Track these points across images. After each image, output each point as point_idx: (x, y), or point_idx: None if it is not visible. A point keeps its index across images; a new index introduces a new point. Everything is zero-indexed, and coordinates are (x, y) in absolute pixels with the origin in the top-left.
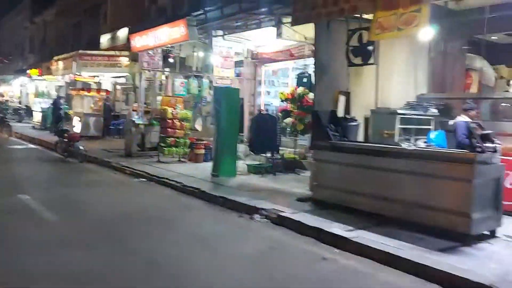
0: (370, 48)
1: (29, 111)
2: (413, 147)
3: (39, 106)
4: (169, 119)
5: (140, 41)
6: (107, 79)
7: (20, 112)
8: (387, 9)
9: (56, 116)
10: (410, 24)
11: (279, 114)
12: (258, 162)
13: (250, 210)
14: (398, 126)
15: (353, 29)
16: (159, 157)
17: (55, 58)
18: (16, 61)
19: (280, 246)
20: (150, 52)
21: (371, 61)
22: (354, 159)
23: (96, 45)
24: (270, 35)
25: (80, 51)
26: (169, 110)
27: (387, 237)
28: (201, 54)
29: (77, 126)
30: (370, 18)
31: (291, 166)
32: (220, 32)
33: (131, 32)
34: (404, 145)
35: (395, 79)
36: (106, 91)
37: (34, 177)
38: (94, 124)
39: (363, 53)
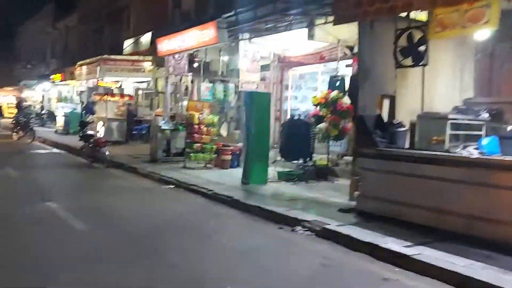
0: (422, 48)
1: (51, 116)
2: (475, 155)
3: (62, 111)
4: (196, 124)
5: (167, 45)
6: (129, 84)
7: (42, 116)
8: (449, 5)
9: (82, 121)
10: (478, 21)
11: (311, 119)
12: (288, 169)
13: (291, 222)
14: (448, 132)
15: (402, 28)
16: (185, 163)
17: (79, 63)
18: (38, 67)
19: (333, 263)
20: (176, 56)
21: (424, 62)
22: (405, 167)
23: (118, 51)
24: (301, 38)
25: (104, 56)
26: (196, 115)
27: (452, 255)
28: (225, 58)
29: (100, 131)
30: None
31: (323, 174)
32: (247, 35)
33: (157, 36)
34: (465, 153)
35: (440, 82)
36: (129, 96)
37: (61, 183)
38: (117, 129)
39: (414, 54)
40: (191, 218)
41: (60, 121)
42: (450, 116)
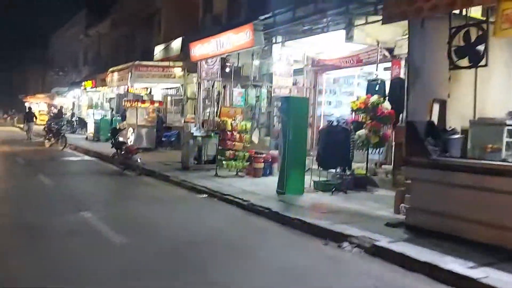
0: (481, 47)
1: (82, 123)
2: None
3: (92, 118)
4: (229, 131)
5: (201, 49)
6: (158, 91)
7: (73, 123)
8: None
9: (114, 128)
10: None
11: (350, 125)
12: (324, 178)
13: (337, 237)
14: (505, 139)
15: (458, 26)
16: (216, 170)
17: (110, 69)
18: (70, 74)
19: (388, 286)
20: (209, 61)
21: (483, 62)
22: (462, 178)
23: (149, 56)
24: (337, 40)
25: (136, 62)
26: (229, 121)
27: None
28: (257, 62)
29: (130, 138)
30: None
31: (361, 183)
32: (280, 39)
33: (188, 41)
34: None
35: (494, 85)
36: (159, 102)
37: (94, 191)
38: (147, 135)
39: (471, 54)
40: (229, 231)
41: (90, 128)
42: (508, 122)
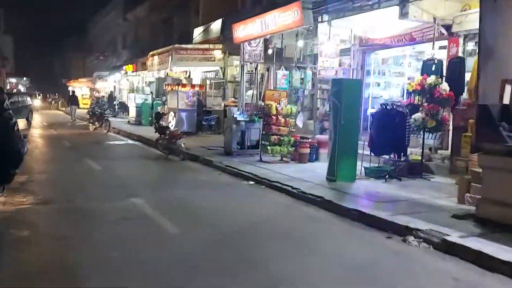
0: None
1: (123, 106)
2: None
3: (133, 102)
4: (273, 115)
5: (245, 30)
6: (197, 74)
7: (115, 107)
8: None
9: (157, 113)
10: None
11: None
12: (375, 164)
13: (400, 230)
14: None
15: None
16: (260, 156)
17: (151, 53)
18: (110, 58)
19: (469, 287)
20: (252, 42)
21: None
22: None
23: (187, 40)
24: (389, 16)
25: (176, 46)
26: (274, 105)
27: None
28: (300, 43)
29: (172, 122)
30: None
31: (416, 170)
32: (328, 17)
33: (229, 22)
34: None
35: None
36: (200, 85)
37: (141, 176)
38: (187, 119)
39: None
40: (281, 220)
41: (132, 112)
42: None
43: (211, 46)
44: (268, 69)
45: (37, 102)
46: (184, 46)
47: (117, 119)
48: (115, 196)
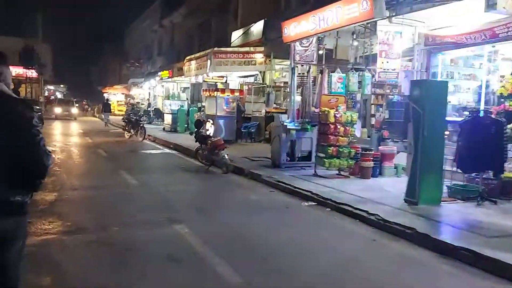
0: None
1: (158, 113)
2: None
3: (169, 108)
4: (331, 123)
5: (297, 28)
6: (234, 79)
7: (150, 114)
8: None
9: (198, 120)
10: None
11: (500, 117)
12: (460, 183)
13: None
14: None
15: None
16: (315, 169)
17: (188, 58)
18: (145, 65)
19: None
20: (304, 42)
21: None
22: None
23: (224, 44)
24: (469, 9)
25: (215, 49)
26: (332, 112)
27: None
28: (356, 42)
29: (210, 129)
30: None
31: (510, 190)
32: (392, 12)
33: (277, 22)
34: None
35: None
36: (240, 91)
37: (182, 194)
38: (226, 127)
39: None
40: (370, 262)
41: (167, 119)
42: None
43: (252, 49)
44: (321, 72)
45: (74, 110)
46: (223, 49)
47: (152, 126)
48: (156, 222)
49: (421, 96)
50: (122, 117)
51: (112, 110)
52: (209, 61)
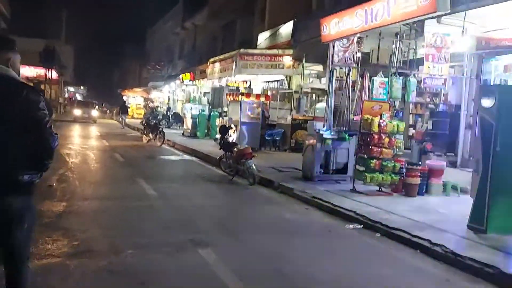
0: None
1: (177, 117)
2: None
3: (189, 113)
4: (375, 133)
5: (339, 25)
6: (258, 84)
7: (169, 118)
8: None
9: (223, 126)
10: None
11: None
12: None
13: None
14: None
15: None
16: (353, 184)
17: (211, 60)
18: (166, 68)
19: None
20: (344, 41)
21: None
22: None
23: (249, 46)
24: None
25: (241, 50)
26: (376, 120)
27: None
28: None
29: (232, 136)
30: None
31: None
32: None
33: (322, 16)
34: None
35: None
36: (266, 95)
37: (206, 209)
38: (250, 134)
39: None
40: None
41: (187, 123)
42: None
43: (280, 51)
44: (362, 75)
45: (95, 112)
46: (250, 51)
47: (171, 131)
48: (177, 244)
49: (494, 104)
50: (140, 120)
51: (130, 114)
52: (234, 63)
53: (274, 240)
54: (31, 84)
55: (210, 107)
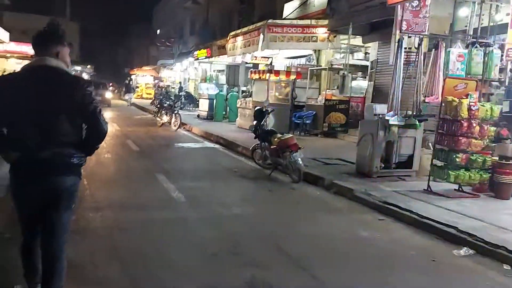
0: None
1: (189, 98)
2: None
3: (205, 93)
4: (464, 119)
5: None
6: (280, 61)
7: (181, 98)
8: None
9: (259, 110)
10: None
11: None
12: None
13: None
14: None
15: None
16: (428, 184)
17: (232, 33)
18: (176, 45)
19: None
20: (414, 4)
21: None
22: None
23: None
24: None
25: (270, 21)
26: (465, 103)
27: None
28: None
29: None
30: None
31: None
32: None
33: None
34: None
35: None
36: (298, 73)
37: (254, 221)
38: (278, 117)
39: None
40: None
41: (203, 105)
42: None
43: (314, 22)
44: (435, 46)
45: (108, 94)
46: (279, 21)
47: (184, 112)
48: (229, 277)
49: None
50: (150, 101)
51: (140, 93)
52: (261, 35)
53: (367, 279)
54: None
55: (227, 86)
